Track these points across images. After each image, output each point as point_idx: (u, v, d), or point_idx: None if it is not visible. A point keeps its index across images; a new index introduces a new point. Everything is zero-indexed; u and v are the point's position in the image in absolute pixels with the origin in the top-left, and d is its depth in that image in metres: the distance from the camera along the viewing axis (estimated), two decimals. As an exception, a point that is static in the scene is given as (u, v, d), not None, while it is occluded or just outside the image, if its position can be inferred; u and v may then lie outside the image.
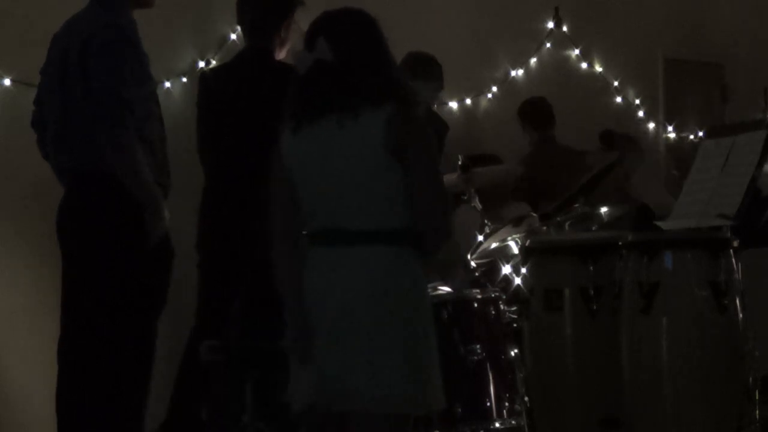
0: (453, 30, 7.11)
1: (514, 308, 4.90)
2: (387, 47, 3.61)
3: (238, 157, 5.11)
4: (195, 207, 5.28)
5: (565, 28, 7.84)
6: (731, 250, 4.18)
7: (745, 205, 4.22)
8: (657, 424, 4.15)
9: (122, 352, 4.48)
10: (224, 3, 5.47)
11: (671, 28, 8.39)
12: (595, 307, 4.43)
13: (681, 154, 8.25)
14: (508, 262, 5.53)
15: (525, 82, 7.62)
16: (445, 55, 6.47)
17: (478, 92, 7.44)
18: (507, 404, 4.83)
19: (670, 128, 8.50)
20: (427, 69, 6.23)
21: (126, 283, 4.47)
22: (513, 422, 4.79)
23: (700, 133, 8.40)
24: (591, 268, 4.45)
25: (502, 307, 4.96)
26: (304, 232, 3.59)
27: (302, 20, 4.88)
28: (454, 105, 7.30)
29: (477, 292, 5.01)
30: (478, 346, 4.82)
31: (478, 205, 5.62)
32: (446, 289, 5.13)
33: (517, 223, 5.47)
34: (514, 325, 4.84)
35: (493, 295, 4.98)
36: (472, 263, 5.51)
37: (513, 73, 7.60)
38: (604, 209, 5.34)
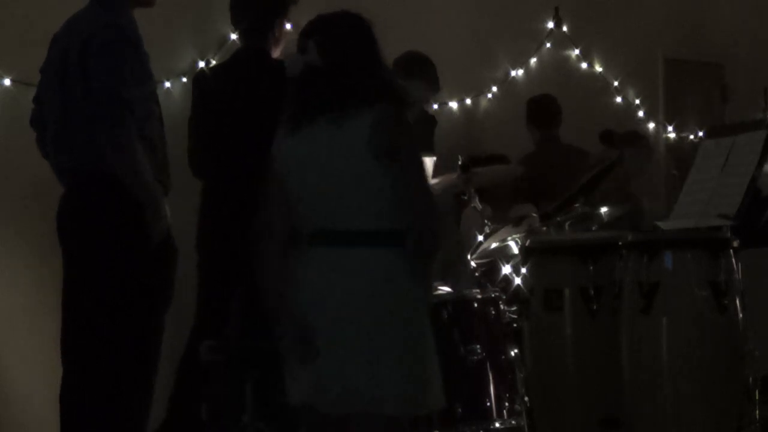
0: (453, 30, 7.10)
1: (514, 308, 4.91)
2: (378, 49, 3.62)
3: (237, 157, 5.11)
4: (195, 207, 5.28)
5: (565, 28, 7.83)
6: (731, 250, 4.18)
7: (745, 205, 4.23)
8: (657, 424, 4.15)
9: (124, 352, 4.48)
10: (224, 3, 5.47)
11: (671, 28, 8.39)
12: (595, 307, 4.43)
13: (681, 154, 8.25)
14: (508, 262, 5.53)
15: (525, 82, 7.62)
16: (445, 55, 6.47)
17: (478, 92, 7.44)
18: (507, 404, 4.83)
19: (670, 128, 8.50)
20: (422, 68, 6.23)
21: (127, 282, 4.47)
22: (513, 422, 4.80)
23: (700, 133, 8.40)
24: (591, 268, 4.45)
25: (502, 307, 4.97)
26: (303, 233, 3.60)
27: (302, 21, 4.87)
28: (454, 105, 7.30)
29: (477, 292, 5.01)
30: (478, 346, 4.83)
31: (479, 205, 5.62)
32: (446, 289, 5.13)
33: (517, 223, 5.47)
34: (514, 325, 4.84)
35: (493, 295, 4.99)
36: (472, 263, 5.52)
37: (513, 73, 7.59)
38: (604, 209, 5.34)
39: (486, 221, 5.55)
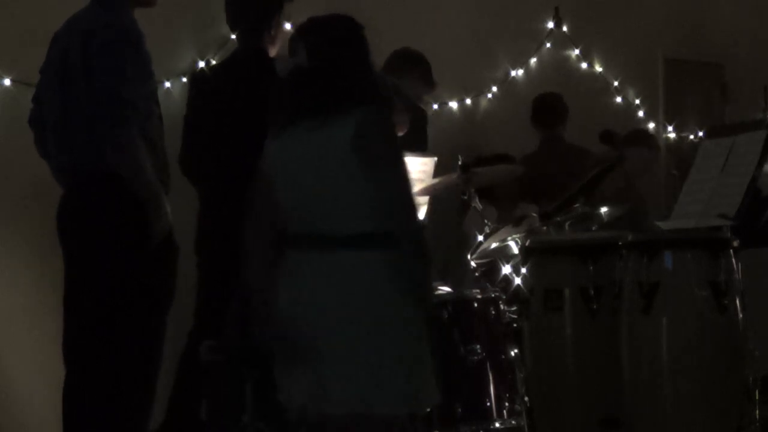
0: (453, 30, 7.10)
1: (514, 308, 4.90)
2: (367, 53, 3.63)
3: (235, 157, 5.10)
4: (195, 207, 5.28)
5: (565, 28, 7.83)
6: (731, 250, 4.18)
7: (745, 205, 4.23)
8: (657, 424, 4.15)
9: (125, 352, 4.48)
10: (224, 3, 5.47)
11: (671, 28, 8.39)
12: (595, 307, 4.43)
13: (681, 154, 8.26)
14: (508, 262, 5.53)
15: (525, 82, 7.62)
16: (445, 55, 6.47)
17: (478, 92, 7.44)
18: (507, 404, 4.83)
19: (670, 128, 8.50)
20: (415, 65, 6.23)
21: (128, 282, 4.47)
22: (513, 422, 4.79)
23: (700, 133, 8.40)
24: (591, 268, 4.45)
25: (502, 307, 4.96)
26: (288, 235, 3.60)
27: (301, 21, 4.88)
28: (454, 105, 7.30)
29: (477, 292, 5.01)
30: (478, 346, 4.83)
31: (479, 205, 5.62)
32: (446, 289, 5.13)
33: (517, 223, 5.47)
34: (514, 325, 4.84)
35: (493, 295, 4.99)
36: (472, 263, 5.52)
37: (513, 73, 7.59)
38: (604, 209, 5.34)
39: (486, 221, 5.55)
